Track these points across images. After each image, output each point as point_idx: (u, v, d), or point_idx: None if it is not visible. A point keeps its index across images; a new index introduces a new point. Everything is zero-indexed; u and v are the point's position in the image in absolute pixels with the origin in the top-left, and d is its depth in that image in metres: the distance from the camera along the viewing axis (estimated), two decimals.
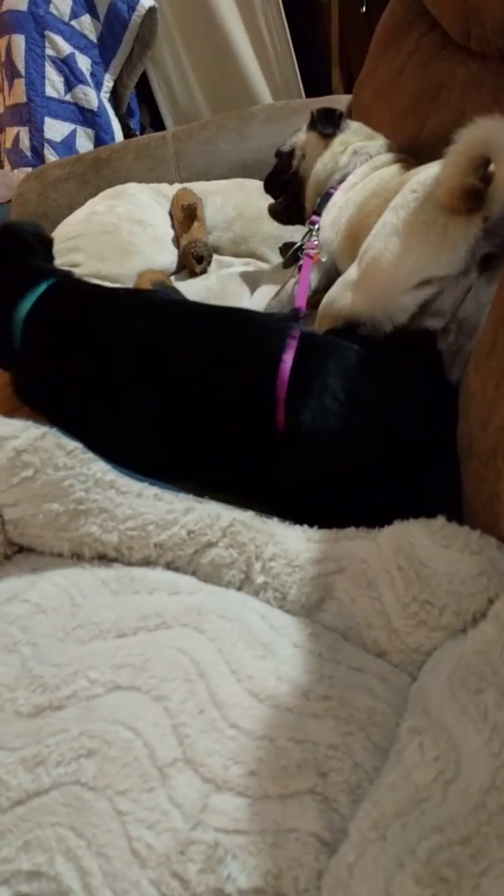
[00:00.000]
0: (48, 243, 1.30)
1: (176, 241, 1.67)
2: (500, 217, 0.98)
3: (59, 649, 0.77)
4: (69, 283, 1.21)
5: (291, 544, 0.88)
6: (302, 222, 1.58)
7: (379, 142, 1.47)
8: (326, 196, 1.44)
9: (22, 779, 0.66)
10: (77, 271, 1.27)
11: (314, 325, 1.20)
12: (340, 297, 1.14)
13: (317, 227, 1.40)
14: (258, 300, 1.50)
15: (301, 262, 1.38)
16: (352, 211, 1.34)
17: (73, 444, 0.95)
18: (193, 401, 1.05)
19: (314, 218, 1.42)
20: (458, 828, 0.53)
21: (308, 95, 2.75)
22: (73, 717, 0.69)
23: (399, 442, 0.98)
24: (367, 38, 1.71)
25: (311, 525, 0.93)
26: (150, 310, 1.14)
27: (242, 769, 0.63)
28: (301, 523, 0.93)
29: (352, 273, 1.14)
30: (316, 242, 1.39)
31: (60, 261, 1.43)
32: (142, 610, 0.81)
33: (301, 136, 1.56)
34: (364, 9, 2.58)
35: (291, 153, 1.58)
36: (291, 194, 1.58)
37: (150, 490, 0.93)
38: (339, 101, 1.84)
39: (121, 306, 1.16)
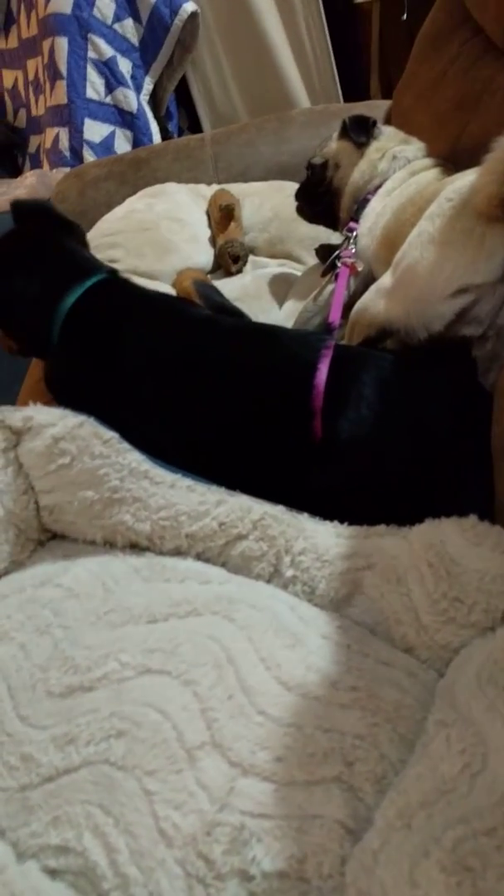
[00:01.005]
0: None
1: (212, 241, 1.68)
2: None
3: (90, 633, 0.78)
4: (115, 283, 1.20)
5: (321, 539, 0.89)
6: (335, 227, 1.58)
7: (415, 146, 1.46)
8: (364, 202, 1.42)
9: (52, 756, 0.67)
10: (115, 266, 1.28)
11: (345, 333, 1.21)
12: (373, 304, 1.14)
13: (354, 234, 1.39)
14: (287, 311, 1.50)
15: (339, 269, 1.37)
16: (388, 217, 1.32)
17: (110, 434, 0.96)
18: (229, 416, 1.05)
19: (352, 225, 1.41)
20: (484, 819, 0.53)
21: (346, 100, 2.75)
22: (104, 699, 0.70)
23: (434, 449, 0.97)
24: (407, 45, 1.71)
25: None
26: (187, 323, 1.14)
27: (269, 755, 0.63)
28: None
29: (386, 280, 1.14)
30: (353, 251, 1.38)
31: (99, 256, 1.45)
32: (173, 597, 0.82)
33: (333, 146, 1.54)
34: (405, 16, 2.58)
35: (325, 165, 1.56)
36: (326, 205, 1.56)
37: (183, 481, 0.94)
38: (378, 107, 1.84)
39: (160, 316, 1.15)
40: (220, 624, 0.76)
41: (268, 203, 1.71)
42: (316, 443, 0.99)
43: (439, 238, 1.05)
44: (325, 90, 2.79)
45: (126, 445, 0.96)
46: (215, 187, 1.73)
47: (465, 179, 1.07)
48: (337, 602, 0.85)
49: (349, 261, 1.36)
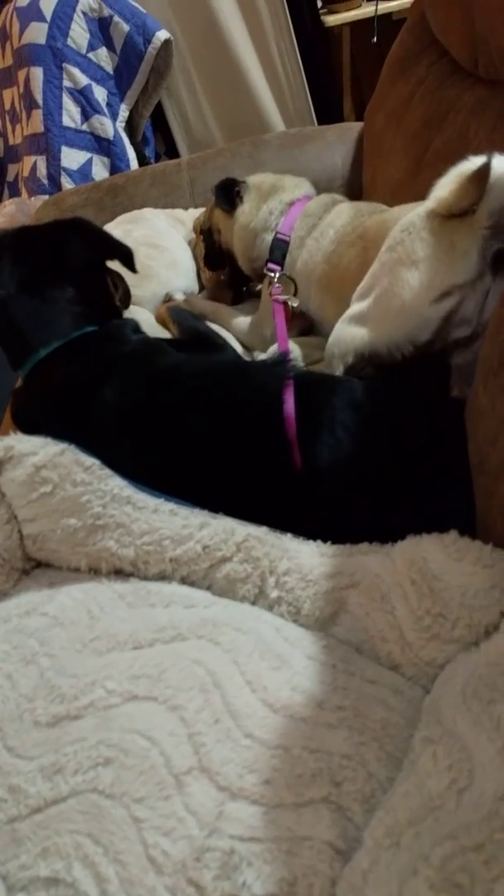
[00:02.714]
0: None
1: (199, 269, 1.70)
2: (498, 210, 0.99)
3: (76, 660, 0.78)
4: (92, 338, 1.18)
5: (305, 559, 0.89)
6: (246, 285, 1.71)
7: (289, 183, 1.58)
8: (281, 243, 1.52)
9: (40, 787, 0.66)
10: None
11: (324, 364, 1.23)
12: (346, 334, 1.16)
13: (276, 274, 1.49)
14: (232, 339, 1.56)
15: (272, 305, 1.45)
16: (321, 262, 1.43)
17: (91, 461, 0.96)
18: (207, 462, 1.05)
19: (272, 266, 1.51)
20: (472, 834, 0.53)
21: (320, 123, 2.78)
22: (91, 727, 0.70)
23: (413, 466, 0.98)
24: (378, 67, 1.74)
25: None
26: (155, 380, 1.12)
27: (257, 778, 0.63)
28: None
29: (356, 308, 1.15)
30: (280, 288, 1.48)
31: None
32: (158, 622, 0.82)
33: (211, 214, 1.65)
34: (375, 39, 2.61)
35: (210, 230, 1.66)
36: (230, 265, 1.67)
37: (165, 506, 0.94)
38: (351, 129, 1.87)
39: (131, 376, 1.13)
40: (205, 648, 0.76)
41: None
42: (298, 472, 0.99)
43: (408, 259, 1.06)
44: (298, 113, 2.82)
45: (108, 471, 0.96)
46: (193, 212, 1.73)
47: (413, 213, 1.11)
48: (322, 621, 0.86)
49: (281, 298, 1.46)
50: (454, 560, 0.81)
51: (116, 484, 0.95)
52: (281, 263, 1.50)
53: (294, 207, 1.53)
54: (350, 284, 1.23)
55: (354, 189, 1.75)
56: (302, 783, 0.63)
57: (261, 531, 0.92)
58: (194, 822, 0.61)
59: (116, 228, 1.67)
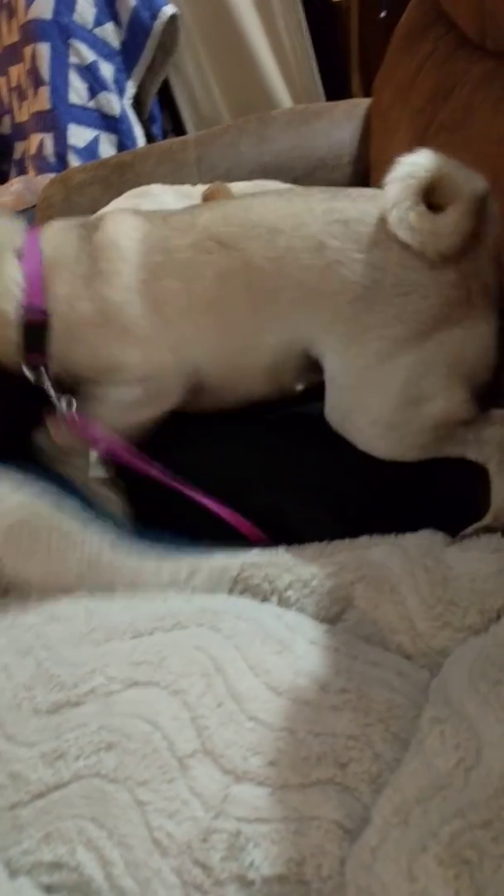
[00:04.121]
0: None
1: None
2: None
3: (74, 651, 0.78)
4: None
5: (304, 567, 0.87)
6: None
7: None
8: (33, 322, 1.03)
9: (42, 773, 0.67)
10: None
11: None
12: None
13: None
14: None
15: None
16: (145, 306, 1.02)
17: (69, 526, 0.90)
18: None
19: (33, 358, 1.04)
20: (480, 812, 0.54)
21: (328, 99, 2.75)
22: (92, 713, 0.70)
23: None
24: (387, 43, 1.71)
25: None
26: None
27: (262, 760, 0.64)
28: None
29: None
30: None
31: None
32: (156, 612, 0.82)
33: None
34: (383, 14, 2.57)
35: None
36: None
37: (149, 560, 0.90)
38: (359, 104, 1.84)
39: None
40: (205, 634, 0.77)
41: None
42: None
43: None
44: (306, 89, 2.78)
45: (88, 534, 0.90)
46: (200, 187, 1.71)
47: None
48: (328, 620, 0.85)
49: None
50: (463, 547, 0.82)
51: (97, 546, 0.89)
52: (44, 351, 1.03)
53: (27, 257, 1.04)
54: (235, 303, 0.98)
55: (362, 166, 1.72)
56: (307, 765, 0.64)
57: (254, 555, 0.90)
58: (199, 805, 0.62)
59: (125, 202, 1.66)
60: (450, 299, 0.89)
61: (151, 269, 0.99)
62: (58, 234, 1.06)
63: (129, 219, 1.05)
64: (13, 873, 0.62)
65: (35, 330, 1.01)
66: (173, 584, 0.88)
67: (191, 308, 1.00)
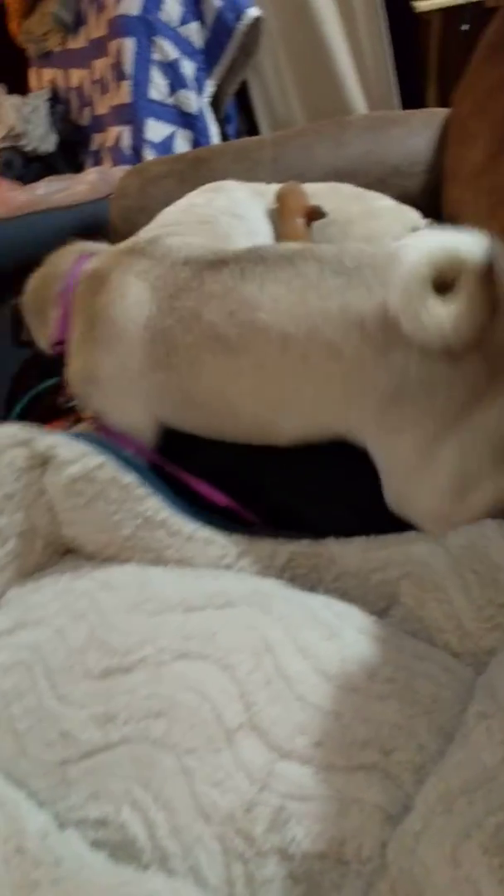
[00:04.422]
0: None
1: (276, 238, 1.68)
2: None
3: (126, 620, 0.79)
4: None
5: (351, 560, 0.88)
6: None
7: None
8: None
9: (91, 734, 0.68)
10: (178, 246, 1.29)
11: None
12: None
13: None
14: None
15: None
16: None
17: (129, 479, 0.92)
18: None
19: None
20: None
21: (403, 109, 2.74)
22: (142, 680, 0.71)
23: None
24: (466, 56, 1.70)
25: None
26: None
27: (308, 740, 0.65)
28: None
29: None
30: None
31: None
32: (208, 590, 0.83)
33: None
34: (465, 26, 2.56)
35: None
36: None
37: (202, 532, 0.91)
38: (437, 115, 1.83)
39: None
40: (256, 615, 0.77)
41: (325, 206, 1.70)
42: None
43: None
44: (382, 98, 2.79)
45: (145, 490, 0.92)
46: (274, 186, 1.72)
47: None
48: (375, 614, 0.84)
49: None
50: None
51: (152, 505, 0.92)
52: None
53: (63, 299, 1.07)
54: (244, 401, 0.95)
55: (436, 175, 1.72)
56: (353, 749, 0.64)
57: (303, 545, 0.90)
58: (244, 777, 0.62)
59: (199, 196, 1.68)
60: (477, 384, 0.83)
61: (152, 359, 0.98)
62: (82, 282, 1.06)
63: (134, 291, 1.00)
64: (61, 825, 0.63)
65: (58, 358, 1.08)
66: (220, 563, 0.89)
67: (188, 400, 0.98)
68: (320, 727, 0.65)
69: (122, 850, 0.61)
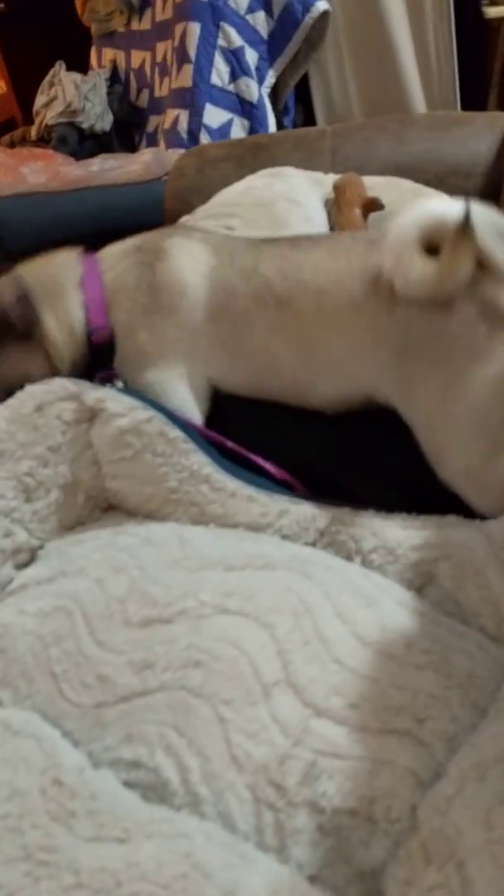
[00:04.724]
0: None
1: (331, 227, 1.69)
2: None
3: (167, 574, 0.80)
4: None
5: (391, 534, 0.88)
6: None
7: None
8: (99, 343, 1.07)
9: (129, 679, 0.69)
10: (230, 234, 1.29)
11: None
12: None
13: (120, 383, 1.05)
14: None
15: None
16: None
17: (176, 433, 0.93)
18: None
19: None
20: None
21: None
22: (182, 632, 0.72)
23: None
24: None
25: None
26: None
27: (343, 701, 0.65)
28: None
29: None
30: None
31: (216, 223, 1.49)
32: (248, 551, 0.83)
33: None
34: None
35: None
36: None
37: (244, 490, 0.92)
38: (500, 117, 1.83)
39: None
40: (296, 578, 0.77)
41: (383, 198, 1.71)
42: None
43: None
44: (443, 100, 2.78)
45: (191, 446, 0.93)
46: (332, 176, 1.73)
47: None
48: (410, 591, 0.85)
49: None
50: None
51: (197, 460, 0.93)
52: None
53: (88, 284, 1.08)
54: (285, 355, 1.00)
55: (496, 177, 1.72)
56: (387, 713, 0.64)
57: (344, 513, 0.91)
58: (279, 731, 0.63)
59: (259, 180, 1.69)
60: (477, 337, 0.88)
61: (212, 310, 1.02)
62: (117, 262, 1.07)
63: (196, 250, 1.05)
64: (95, 765, 0.64)
65: (101, 349, 1.06)
66: (261, 521, 0.89)
67: (240, 351, 1.03)
68: (356, 690, 0.65)
69: (155, 792, 0.61)
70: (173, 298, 1.03)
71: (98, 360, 1.07)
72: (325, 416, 1.01)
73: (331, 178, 1.72)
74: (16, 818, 0.57)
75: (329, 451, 1.02)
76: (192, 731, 0.64)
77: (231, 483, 0.92)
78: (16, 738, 0.65)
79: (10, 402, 0.98)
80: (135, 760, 0.63)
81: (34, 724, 0.67)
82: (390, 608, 0.76)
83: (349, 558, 0.87)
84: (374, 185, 1.70)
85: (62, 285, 1.08)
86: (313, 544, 0.88)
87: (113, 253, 1.10)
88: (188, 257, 1.04)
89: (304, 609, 0.72)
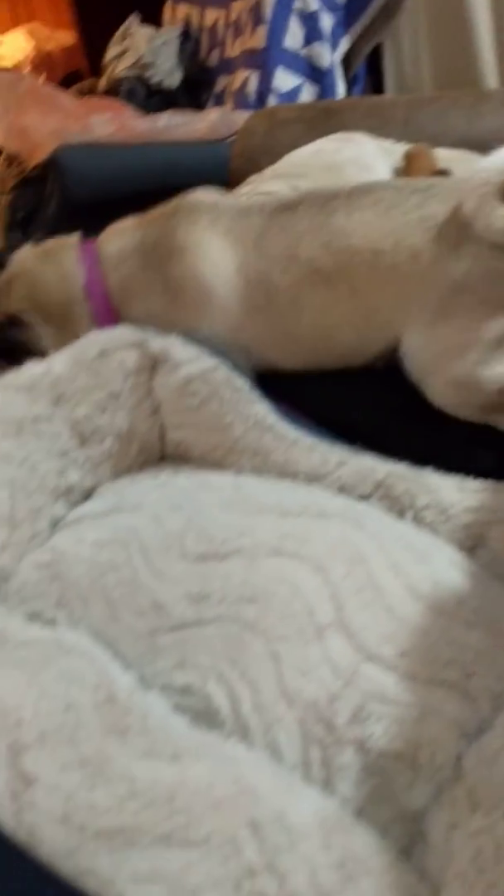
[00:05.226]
0: None
1: None
2: None
3: (223, 515, 0.80)
4: None
5: (445, 494, 0.87)
6: None
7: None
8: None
9: (184, 609, 0.70)
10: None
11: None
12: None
13: None
14: None
15: None
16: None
17: (241, 382, 0.94)
18: None
19: None
20: None
21: None
22: (237, 568, 0.72)
23: None
24: None
25: None
26: None
27: (394, 649, 0.65)
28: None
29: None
30: None
31: (284, 183, 1.50)
32: (303, 500, 0.83)
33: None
34: None
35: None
36: None
37: (306, 440, 0.92)
38: None
39: None
40: (350, 529, 0.77)
41: (454, 172, 1.69)
42: None
43: None
44: None
45: (255, 395, 0.94)
46: (403, 146, 1.71)
47: None
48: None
49: None
50: None
51: (261, 409, 0.93)
52: None
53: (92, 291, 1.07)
54: (339, 327, 1.02)
55: None
56: (436, 665, 0.64)
57: (401, 468, 0.90)
58: (330, 671, 0.63)
59: (329, 143, 1.68)
60: None
61: (250, 306, 1.02)
62: (119, 265, 1.07)
63: (212, 245, 1.03)
64: (146, 687, 0.65)
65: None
66: (321, 470, 0.89)
67: (288, 338, 1.04)
68: (407, 639, 0.65)
69: (204, 719, 0.62)
70: (200, 298, 1.03)
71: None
72: (370, 372, 1.03)
73: (401, 148, 1.70)
74: (71, 729, 0.58)
75: (370, 417, 1.03)
76: (244, 664, 0.64)
77: (293, 432, 0.92)
78: (68, 657, 0.65)
79: (73, 347, 0.98)
80: (186, 686, 0.64)
81: (86, 644, 0.68)
82: (442, 565, 0.76)
83: (401, 514, 0.86)
84: (446, 157, 1.68)
85: (67, 300, 1.08)
86: (368, 497, 0.88)
87: (115, 251, 1.08)
88: (204, 255, 1.03)
89: (358, 558, 0.72)
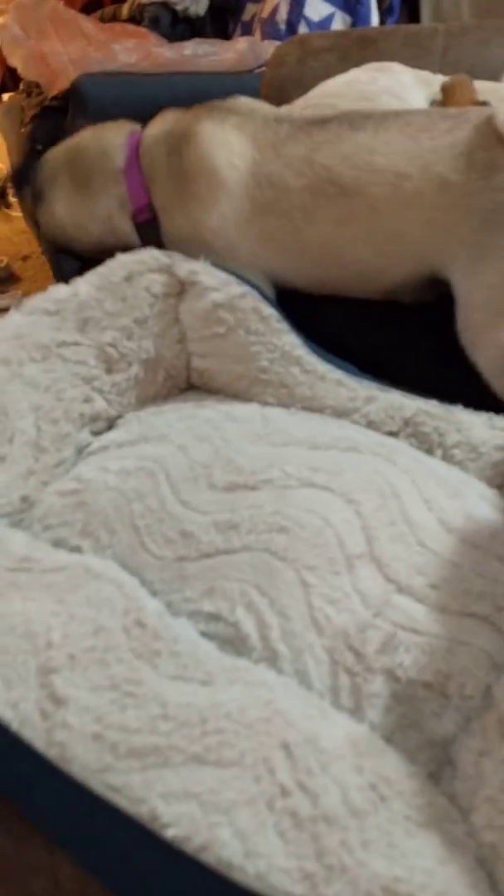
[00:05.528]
0: None
1: None
2: None
3: (251, 447, 0.80)
4: None
5: (476, 431, 0.86)
6: None
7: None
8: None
9: (213, 537, 0.69)
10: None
11: None
12: None
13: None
14: None
15: None
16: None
17: (269, 311, 0.92)
18: None
19: None
20: None
21: None
22: (267, 499, 0.72)
23: None
24: None
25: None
26: None
27: (425, 581, 0.65)
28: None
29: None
30: None
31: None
32: (334, 433, 0.82)
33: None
34: None
35: None
36: None
37: (334, 374, 0.90)
38: None
39: None
40: (381, 463, 0.77)
41: (494, 104, 1.64)
42: None
43: None
44: None
45: (284, 326, 0.92)
46: (440, 77, 1.65)
47: None
48: None
49: None
50: None
51: (289, 341, 0.91)
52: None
53: (129, 168, 1.08)
54: (353, 245, 0.97)
55: None
56: (467, 597, 0.64)
57: (431, 405, 0.88)
58: (360, 601, 0.63)
59: (364, 73, 1.62)
60: None
61: (260, 205, 0.98)
62: (152, 147, 1.06)
63: (231, 139, 1.01)
64: (174, 614, 0.66)
65: (148, 229, 1.07)
66: (349, 405, 0.88)
67: (298, 246, 0.99)
68: (438, 572, 0.65)
69: (232, 646, 0.62)
70: (210, 188, 1.00)
71: (146, 239, 1.06)
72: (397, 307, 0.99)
73: (439, 79, 1.65)
74: (101, 651, 0.58)
75: (398, 348, 1.00)
76: (274, 592, 0.64)
77: (321, 366, 0.90)
78: (97, 581, 0.65)
79: (100, 269, 0.97)
80: (215, 613, 0.64)
81: (114, 570, 0.68)
82: (474, 500, 0.75)
83: (430, 451, 0.85)
84: (486, 89, 1.62)
85: (100, 174, 1.10)
86: (397, 433, 0.87)
87: (151, 135, 1.08)
88: (220, 147, 1.00)
89: (390, 492, 0.72)
